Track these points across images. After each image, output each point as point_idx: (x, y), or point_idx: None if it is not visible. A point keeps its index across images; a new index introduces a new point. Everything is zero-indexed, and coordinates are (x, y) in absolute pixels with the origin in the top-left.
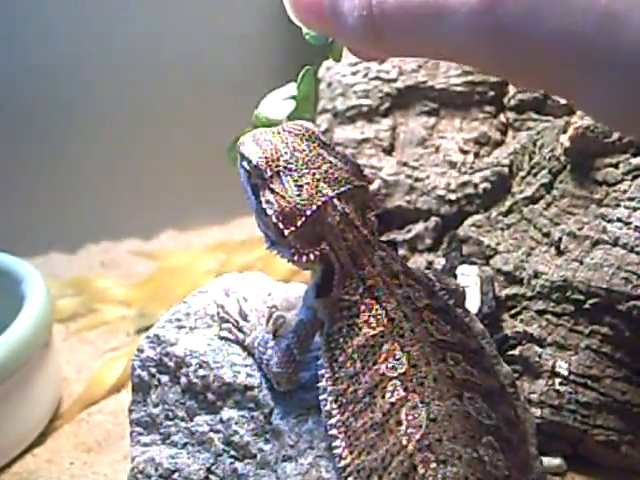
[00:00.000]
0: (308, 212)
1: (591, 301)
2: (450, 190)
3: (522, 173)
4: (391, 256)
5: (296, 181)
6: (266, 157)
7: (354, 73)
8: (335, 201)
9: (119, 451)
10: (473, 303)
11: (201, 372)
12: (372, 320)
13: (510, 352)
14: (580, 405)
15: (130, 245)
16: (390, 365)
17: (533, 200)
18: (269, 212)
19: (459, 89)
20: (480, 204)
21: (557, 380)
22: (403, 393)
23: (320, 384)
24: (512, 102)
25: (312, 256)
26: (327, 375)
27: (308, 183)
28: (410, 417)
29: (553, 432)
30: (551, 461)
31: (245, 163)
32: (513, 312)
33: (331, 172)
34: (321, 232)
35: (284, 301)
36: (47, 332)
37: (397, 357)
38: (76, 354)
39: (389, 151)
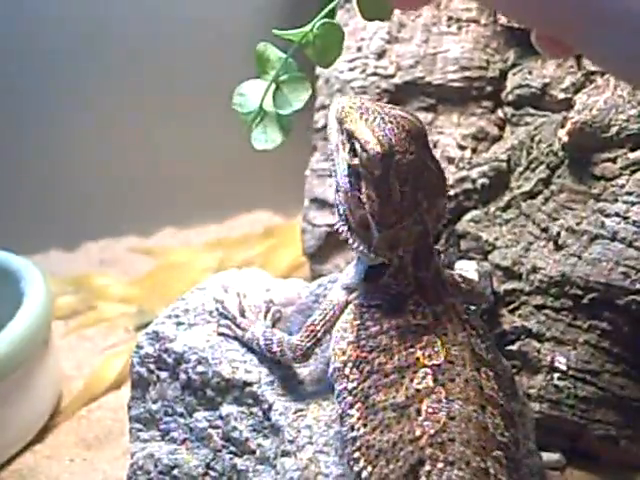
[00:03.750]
0: (404, 223)
1: (590, 296)
2: (448, 186)
3: (520, 168)
4: (442, 266)
5: (401, 186)
6: (382, 153)
7: (351, 69)
8: (424, 213)
9: (119, 447)
10: None
11: (200, 368)
12: (418, 314)
13: (509, 347)
14: (579, 400)
15: (129, 242)
16: (427, 353)
17: (531, 195)
18: (367, 208)
19: (456, 84)
20: (478, 199)
21: (556, 375)
22: (432, 384)
23: (337, 345)
24: (510, 97)
25: (386, 260)
26: (349, 339)
27: (410, 192)
28: (430, 410)
29: (552, 427)
30: (550, 456)
31: (358, 147)
32: (511, 307)
33: (429, 183)
34: (401, 238)
35: (283, 297)
36: (47, 329)
37: (436, 349)
38: (76, 351)
39: None
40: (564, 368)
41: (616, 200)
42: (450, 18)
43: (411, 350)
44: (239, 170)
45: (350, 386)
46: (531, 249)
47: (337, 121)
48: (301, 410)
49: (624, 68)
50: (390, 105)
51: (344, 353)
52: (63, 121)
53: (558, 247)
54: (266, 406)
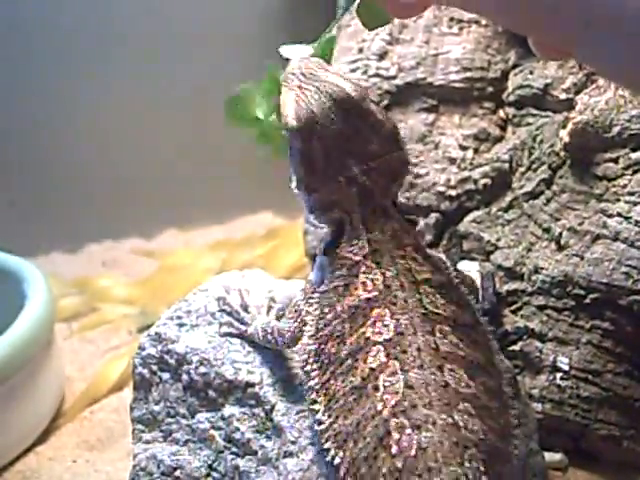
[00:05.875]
0: (328, 188)
1: (592, 296)
2: (450, 186)
3: (522, 169)
4: (405, 230)
5: (326, 154)
6: (301, 125)
7: (353, 70)
8: (358, 175)
9: (121, 449)
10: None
11: (202, 369)
12: (369, 283)
13: (511, 347)
14: (581, 400)
15: (132, 244)
16: (377, 330)
17: (533, 195)
18: (294, 173)
19: (458, 85)
20: (480, 200)
21: (558, 375)
22: (384, 359)
23: (302, 341)
24: (511, 98)
25: (324, 219)
26: (310, 333)
27: (336, 157)
28: (387, 383)
29: (554, 427)
30: (552, 456)
31: (283, 119)
32: (514, 307)
33: (362, 146)
34: (337, 200)
35: (284, 297)
36: (49, 331)
37: (385, 323)
38: (78, 353)
39: None
40: (566, 368)
41: (618, 200)
42: (451, 19)
43: (361, 331)
44: (241, 172)
45: (312, 382)
46: (533, 249)
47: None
48: (303, 411)
49: (620, 72)
50: (335, 70)
51: (306, 348)
52: (65, 123)
53: (560, 247)
54: (268, 407)
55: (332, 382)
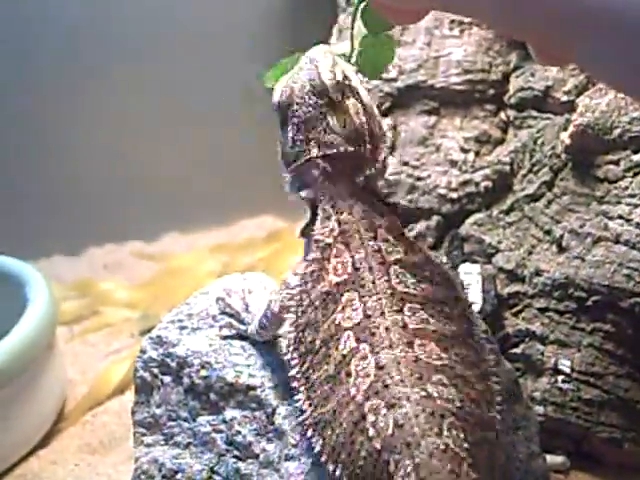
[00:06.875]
0: (293, 167)
1: (593, 298)
2: (451, 189)
3: (523, 171)
4: (378, 210)
5: (294, 135)
6: (280, 103)
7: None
8: (319, 160)
9: (123, 452)
10: (475, 301)
11: (203, 372)
12: (339, 267)
13: (512, 350)
14: (583, 402)
15: (133, 247)
16: (346, 315)
17: (534, 198)
18: (277, 149)
19: (459, 88)
20: (481, 202)
21: (560, 378)
22: (355, 344)
23: (285, 328)
24: (512, 100)
25: (299, 197)
26: (290, 321)
27: (302, 140)
28: (359, 367)
29: (556, 430)
30: (554, 459)
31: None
32: (515, 310)
33: (323, 135)
34: (307, 181)
35: None
36: (51, 334)
37: (354, 307)
38: (80, 356)
39: (390, 150)
40: (568, 371)
41: (619, 202)
42: (452, 21)
43: (333, 317)
44: (243, 175)
45: (294, 371)
46: (534, 252)
47: None
48: None
49: (620, 75)
50: (328, 61)
51: (288, 336)
52: (67, 127)
53: (561, 250)
54: (270, 410)
55: (310, 371)
